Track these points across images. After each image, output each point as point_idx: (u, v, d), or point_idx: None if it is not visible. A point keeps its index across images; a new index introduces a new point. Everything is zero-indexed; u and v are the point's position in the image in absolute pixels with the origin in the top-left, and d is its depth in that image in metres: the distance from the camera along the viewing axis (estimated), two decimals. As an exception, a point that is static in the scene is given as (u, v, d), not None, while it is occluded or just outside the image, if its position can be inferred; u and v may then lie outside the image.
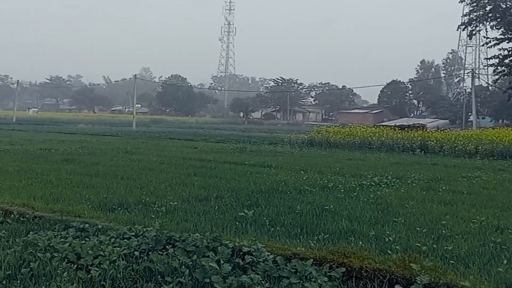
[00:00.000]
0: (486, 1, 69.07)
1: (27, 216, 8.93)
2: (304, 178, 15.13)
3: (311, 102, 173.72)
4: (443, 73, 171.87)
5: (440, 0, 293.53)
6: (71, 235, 7.61)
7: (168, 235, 7.40)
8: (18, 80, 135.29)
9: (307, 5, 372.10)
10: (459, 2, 78.16)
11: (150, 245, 7.10)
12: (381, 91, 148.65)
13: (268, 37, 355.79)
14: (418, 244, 7.44)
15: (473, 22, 73.35)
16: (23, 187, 12.19)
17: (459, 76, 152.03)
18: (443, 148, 30.15)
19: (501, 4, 68.16)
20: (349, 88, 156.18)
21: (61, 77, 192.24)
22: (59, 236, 7.41)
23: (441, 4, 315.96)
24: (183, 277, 6.01)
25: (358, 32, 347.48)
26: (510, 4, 66.99)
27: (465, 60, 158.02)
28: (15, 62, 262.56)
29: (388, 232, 8.15)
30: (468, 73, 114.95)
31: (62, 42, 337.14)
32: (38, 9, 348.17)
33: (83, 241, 7.07)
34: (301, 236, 7.99)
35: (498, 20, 66.95)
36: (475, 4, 71.45)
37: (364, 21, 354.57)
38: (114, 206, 10.00)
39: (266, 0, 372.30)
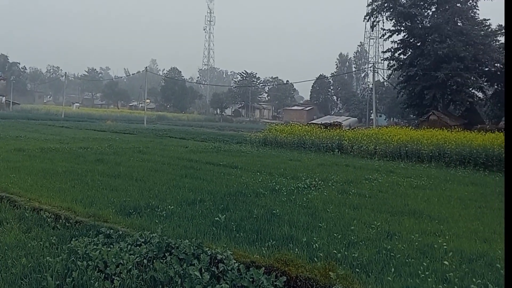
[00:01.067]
0: None
1: (71, 221, 8.75)
2: (259, 180, 14.85)
3: (265, 97, 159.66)
4: (354, 67, 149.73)
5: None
6: (100, 241, 7.45)
7: (167, 241, 7.28)
8: (66, 73, 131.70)
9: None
10: None
11: (155, 252, 7.00)
12: (312, 86, 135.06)
13: (241, 30, 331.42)
14: (335, 251, 7.32)
15: (374, 13, 56.64)
16: (68, 190, 11.87)
17: (365, 71, 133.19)
18: (353, 148, 29.79)
19: None
20: (291, 83, 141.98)
21: (95, 69, 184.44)
22: (92, 243, 7.27)
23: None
24: (176, 286, 5.98)
25: (306, 32, 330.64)
26: None
27: (368, 53, 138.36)
28: (61, 55, 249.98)
29: (315, 238, 8.07)
30: (369, 67, 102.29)
31: (91, 37, 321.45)
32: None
33: (109, 248, 6.96)
34: (256, 243, 7.85)
35: (391, 10, 53.65)
36: None
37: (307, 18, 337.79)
38: (130, 210, 9.78)
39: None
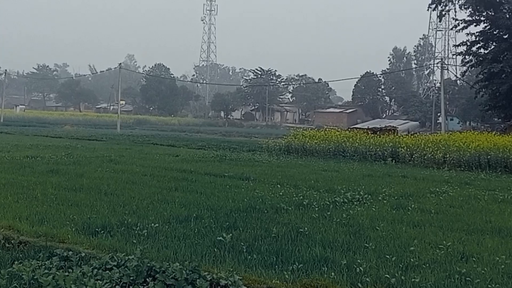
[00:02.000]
0: None
1: (12, 241, 8.80)
2: (281, 193, 14.96)
3: (288, 98, 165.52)
4: (414, 63, 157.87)
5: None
6: (55, 265, 7.49)
7: (148, 265, 7.30)
8: (6, 70, 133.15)
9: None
10: None
11: (132, 277, 7.01)
12: (355, 85, 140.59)
13: (250, 21, 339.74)
14: (387, 276, 7.36)
15: (443, 1, 60.58)
16: (9, 205, 11.99)
17: (429, 68, 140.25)
18: (413, 156, 29.90)
19: None
20: (324, 81, 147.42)
21: (47, 66, 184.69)
22: (43, 266, 7.26)
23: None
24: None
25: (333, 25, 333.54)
26: None
27: (435, 47, 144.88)
28: (2, 50, 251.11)
29: (359, 261, 8.09)
30: (437, 63, 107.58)
31: (47, 29, 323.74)
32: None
33: (67, 273, 6.97)
34: (276, 266, 7.89)
35: None
36: None
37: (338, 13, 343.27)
38: (97, 229, 9.84)
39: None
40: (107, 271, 7.15)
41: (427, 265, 8.15)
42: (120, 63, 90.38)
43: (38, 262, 7.52)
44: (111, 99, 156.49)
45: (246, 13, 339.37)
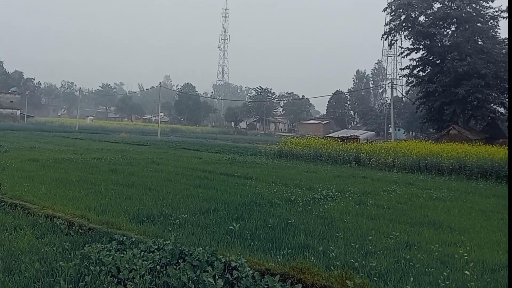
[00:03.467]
0: (401, 10, 55.82)
1: (84, 227, 8.81)
2: (275, 190, 14.87)
3: (280, 112, 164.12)
4: (371, 83, 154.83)
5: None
6: (113, 247, 7.49)
7: (180, 249, 7.28)
8: (80, 88, 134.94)
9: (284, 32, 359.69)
10: (382, 11, 64.15)
11: (168, 259, 7.00)
12: (328, 101, 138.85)
13: (255, 47, 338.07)
14: (352, 260, 7.31)
15: (392, 32, 59.15)
16: (82, 198, 12.00)
17: (382, 87, 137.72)
18: (371, 160, 29.78)
19: (411, 13, 55.55)
20: (306, 98, 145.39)
21: (109, 84, 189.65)
22: (105, 249, 7.29)
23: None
24: (190, 292, 5.97)
25: (320, 49, 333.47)
26: (417, 14, 55.89)
27: (386, 70, 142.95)
28: (76, 72, 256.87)
29: (331, 248, 8.03)
30: (388, 84, 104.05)
31: (105, 50, 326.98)
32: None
33: (122, 255, 6.96)
34: (271, 251, 7.85)
35: (409, 29, 55.76)
36: (393, 13, 57.78)
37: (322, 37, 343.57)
38: (143, 218, 9.82)
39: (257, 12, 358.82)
40: (151, 253, 7.14)
41: (381, 251, 8.07)
42: (160, 83, 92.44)
43: (102, 245, 7.53)
44: (153, 111, 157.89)
45: (252, 41, 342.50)
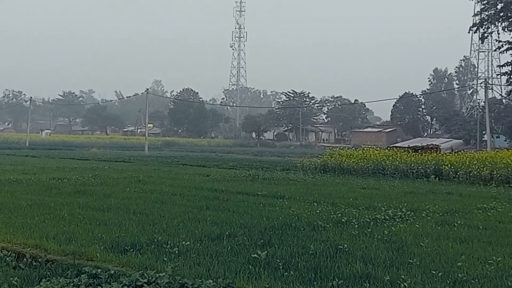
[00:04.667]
0: None
1: (39, 260, 8.88)
2: (318, 211, 14.91)
3: (323, 119, 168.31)
4: (456, 83, 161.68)
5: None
6: (83, 282, 7.56)
7: (180, 282, 7.32)
8: (31, 97, 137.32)
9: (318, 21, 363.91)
10: None
11: (163, 294, 7.05)
12: (393, 106, 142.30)
13: (280, 46, 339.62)
14: (434, 291, 7.33)
15: (484, 23, 62.81)
16: (36, 225, 12.11)
17: (473, 87, 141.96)
18: (458, 173, 29.68)
19: None
20: (361, 102, 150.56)
21: (73, 92, 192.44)
22: (72, 284, 7.36)
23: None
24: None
25: (369, 44, 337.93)
26: None
27: (477, 68, 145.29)
28: (28, 77, 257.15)
29: (403, 277, 8.00)
30: (481, 83, 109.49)
31: (72, 54, 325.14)
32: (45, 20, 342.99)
33: (95, 291, 7.04)
34: (315, 282, 7.84)
35: (510, 20, 58.28)
36: (486, 1, 61.15)
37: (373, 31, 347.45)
38: (126, 247, 9.87)
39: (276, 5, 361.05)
40: (138, 288, 7.18)
41: (477, 280, 8.02)
42: (147, 89, 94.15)
43: (66, 279, 7.60)
44: (138, 122, 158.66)
45: (276, 39, 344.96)
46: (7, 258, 8.99)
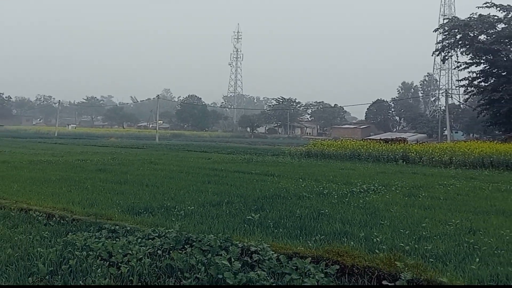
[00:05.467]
0: (456, 30, 66.92)
1: (66, 219, 8.88)
2: (303, 185, 14.97)
3: (307, 118, 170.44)
4: (421, 93, 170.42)
5: (417, 29, 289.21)
6: (104, 235, 7.56)
7: (186, 236, 7.31)
8: (59, 100, 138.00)
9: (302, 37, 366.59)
10: (433, 31, 78.54)
11: (171, 245, 7.02)
12: (367, 109, 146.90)
13: (271, 60, 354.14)
14: (402, 244, 7.30)
15: (445, 49, 72.11)
16: (63, 194, 12.13)
17: (435, 96, 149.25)
18: (422, 159, 29.88)
19: (469, 33, 65.46)
20: (340, 106, 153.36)
21: (95, 97, 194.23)
22: (94, 236, 7.34)
23: (417, 32, 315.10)
24: (199, 273, 5.95)
25: (348, 59, 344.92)
26: (476, 33, 65.83)
27: (439, 81, 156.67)
28: (57, 83, 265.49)
29: (375, 234, 8.03)
30: (442, 93, 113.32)
31: (95, 64, 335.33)
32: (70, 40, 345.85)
33: (114, 241, 7.00)
34: (300, 237, 7.87)
35: (467, 46, 65.75)
36: (447, 33, 69.56)
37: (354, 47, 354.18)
38: (140, 210, 9.91)
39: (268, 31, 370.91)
40: (150, 240, 7.17)
41: (438, 236, 8.08)
42: (158, 95, 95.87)
43: (89, 233, 7.57)
44: (150, 120, 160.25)
45: (267, 56, 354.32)
46: (39, 217, 8.97)
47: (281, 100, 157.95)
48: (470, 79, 68.70)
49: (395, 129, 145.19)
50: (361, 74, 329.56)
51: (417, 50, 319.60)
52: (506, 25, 64.90)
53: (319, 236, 7.87)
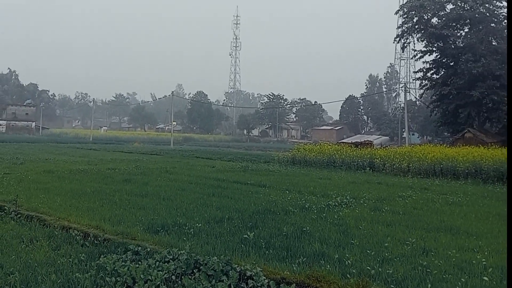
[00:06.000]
0: (413, 12, 53.56)
1: (99, 238, 8.86)
2: (289, 198, 14.87)
3: (292, 118, 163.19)
4: (384, 87, 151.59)
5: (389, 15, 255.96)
6: (129, 258, 7.54)
7: (195, 258, 7.30)
8: (94, 99, 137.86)
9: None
10: (394, 14, 59.92)
11: (183, 269, 7.02)
12: (341, 107, 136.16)
13: (266, 56, 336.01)
14: (368, 268, 7.25)
15: (404, 34, 56.65)
16: (97, 209, 12.07)
17: (396, 91, 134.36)
18: (385, 166, 29.64)
19: (424, 15, 53.37)
20: (319, 103, 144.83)
21: (122, 94, 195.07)
22: (121, 259, 7.34)
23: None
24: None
25: (327, 53, 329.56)
26: (429, 16, 53.70)
27: (399, 74, 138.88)
28: (91, 82, 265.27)
29: (347, 255, 7.97)
30: (401, 87, 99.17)
31: (122, 64, 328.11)
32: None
33: (137, 265, 7.01)
34: (287, 259, 7.82)
35: (422, 32, 53.54)
36: (406, 16, 55.07)
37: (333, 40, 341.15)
38: (158, 228, 9.86)
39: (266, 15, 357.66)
40: (166, 263, 7.16)
41: (398, 258, 7.99)
42: (173, 92, 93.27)
43: (117, 256, 7.56)
44: (166, 120, 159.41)
45: (261, 49, 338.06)
46: (77, 237, 8.96)
47: (271, 97, 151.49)
48: (424, 70, 55.97)
49: (363, 131, 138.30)
50: (337, 63, 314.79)
51: (386, 34, 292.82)
52: (454, 6, 53.01)
53: (302, 258, 7.83)
